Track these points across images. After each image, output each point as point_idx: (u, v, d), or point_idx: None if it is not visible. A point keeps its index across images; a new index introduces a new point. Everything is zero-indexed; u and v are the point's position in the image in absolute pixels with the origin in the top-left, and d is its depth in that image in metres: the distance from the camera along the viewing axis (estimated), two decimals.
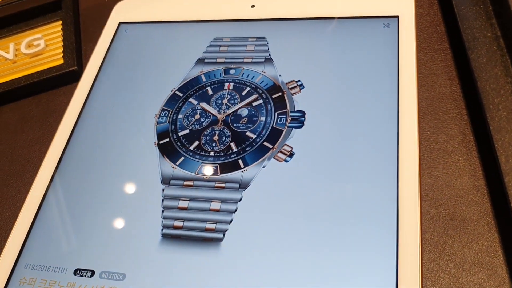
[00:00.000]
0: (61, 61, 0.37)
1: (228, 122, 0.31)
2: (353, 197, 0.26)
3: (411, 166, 0.26)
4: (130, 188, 0.29)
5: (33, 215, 0.29)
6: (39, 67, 0.37)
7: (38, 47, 0.38)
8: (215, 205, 0.28)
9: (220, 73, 0.34)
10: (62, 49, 0.38)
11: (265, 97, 0.32)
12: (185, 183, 0.29)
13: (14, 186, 0.33)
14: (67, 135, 0.33)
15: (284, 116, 0.30)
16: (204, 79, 0.34)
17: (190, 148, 0.30)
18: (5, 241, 0.29)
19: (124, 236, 0.27)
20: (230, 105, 0.32)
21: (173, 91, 0.33)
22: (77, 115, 0.33)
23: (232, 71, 0.33)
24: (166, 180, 0.29)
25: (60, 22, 0.40)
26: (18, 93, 0.37)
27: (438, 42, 0.33)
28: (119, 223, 0.28)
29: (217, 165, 0.29)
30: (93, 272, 0.27)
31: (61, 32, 0.39)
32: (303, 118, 0.30)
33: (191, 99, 0.33)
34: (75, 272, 0.27)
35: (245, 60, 0.34)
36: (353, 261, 0.24)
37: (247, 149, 0.30)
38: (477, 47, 0.29)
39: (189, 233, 0.27)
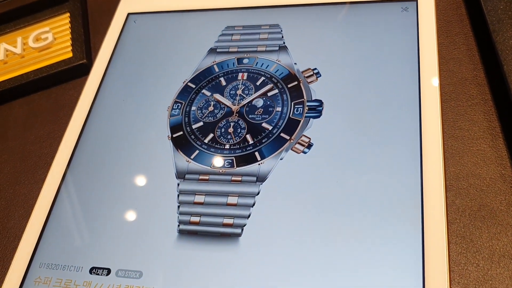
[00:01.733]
0: (70, 54, 0.36)
1: (243, 114, 0.30)
2: (375, 188, 0.25)
3: (435, 155, 0.25)
4: (144, 184, 0.29)
5: (47, 213, 0.29)
6: (48, 61, 0.36)
7: (46, 40, 0.37)
8: (232, 199, 0.27)
9: (233, 63, 0.33)
10: (71, 42, 0.37)
11: (280, 86, 0.31)
12: (200, 177, 0.28)
13: (26, 184, 0.32)
14: (78, 130, 0.32)
15: (301, 105, 0.29)
16: (217, 70, 0.33)
17: (204, 141, 0.30)
18: (19, 240, 0.29)
19: (139, 233, 0.27)
20: (244, 95, 0.31)
21: (185, 83, 0.32)
22: (88, 109, 0.33)
23: (245, 61, 0.32)
24: (181, 175, 0.28)
25: (68, 14, 0.39)
26: (27, 88, 0.36)
27: (459, 25, 0.32)
28: (134, 220, 0.27)
29: (233, 158, 0.28)
30: (109, 271, 0.26)
31: (69, 25, 0.38)
32: (321, 108, 0.29)
33: (204, 91, 0.32)
34: (90, 271, 0.26)
35: (259, 48, 0.33)
36: (377, 255, 0.23)
37: (263, 141, 0.29)
38: (502, 29, 0.28)
39: (206, 228, 0.26)
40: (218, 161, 0.28)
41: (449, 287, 0.22)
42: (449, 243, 0.24)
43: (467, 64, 0.30)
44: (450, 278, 0.22)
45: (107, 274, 0.26)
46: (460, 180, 0.26)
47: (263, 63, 0.32)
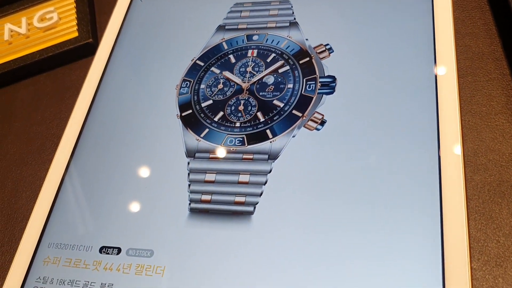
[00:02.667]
0: (76, 34, 0.36)
1: (253, 91, 0.29)
2: (390, 165, 0.25)
3: (453, 131, 0.25)
4: (153, 162, 0.28)
5: (54, 193, 0.28)
6: (53, 41, 0.36)
7: (51, 20, 0.37)
8: (243, 178, 0.26)
9: (243, 40, 0.32)
10: (76, 21, 0.36)
11: (291, 63, 0.30)
12: (211, 155, 0.28)
13: (33, 164, 0.32)
14: (86, 110, 0.31)
15: (313, 82, 0.29)
16: (226, 47, 0.32)
17: (214, 119, 0.29)
18: (27, 220, 0.28)
19: (150, 212, 0.26)
20: (254, 72, 0.30)
21: (193, 61, 0.32)
22: (95, 90, 0.32)
23: (255, 37, 0.32)
24: (191, 153, 0.28)
25: None
26: (32, 69, 0.36)
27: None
28: (144, 199, 0.27)
29: (244, 136, 0.28)
30: (119, 250, 0.25)
31: (74, 4, 0.37)
32: (334, 84, 0.28)
33: (213, 68, 0.31)
34: (100, 250, 0.26)
35: (269, 25, 0.32)
36: (395, 233, 0.23)
37: (275, 118, 0.28)
38: None
39: (217, 206, 0.26)
40: (228, 139, 0.28)
41: (469, 264, 0.21)
42: (468, 219, 0.23)
43: (484, 38, 0.29)
44: (470, 255, 0.22)
45: (118, 253, 0.25)
46: (478, 156, 0.25)
47: (273, 40, 0.31)
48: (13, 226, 0.29)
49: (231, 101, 0.29)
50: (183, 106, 0.30)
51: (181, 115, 0.29)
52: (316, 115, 0.27)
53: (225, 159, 0.27)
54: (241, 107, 0.29)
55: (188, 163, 0.27)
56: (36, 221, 0.28)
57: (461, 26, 0.30)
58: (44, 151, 0.32)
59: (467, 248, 0.21)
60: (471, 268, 0.22)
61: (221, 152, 0.27)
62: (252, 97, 0.29)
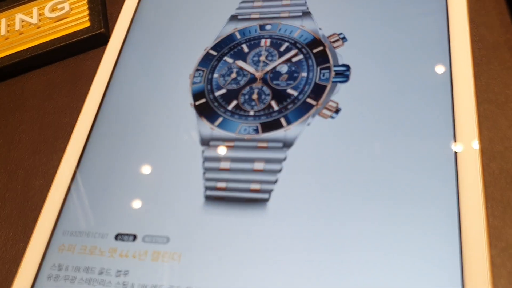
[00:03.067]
0: (87, 24, 0.36)
1: (267, 80, 0.29)
2: (406, 153, 0.25)
3: (469, 119, 0.25)
4: (168, 150, 0.28)
5: (69, 181, 0.28)
6: (65, 31, 0.36)
7: (63, 10, 0.36)
8: (258, 165, 0.26)
9: (256, 30, 0.32)
10: (88, 11, 0.36)
11: (305, 52, 0.30)
12: (225, 144, 0.27)
13: (46, 153, 0.32)
14: (99, 99, 0.31)
15: (328, 70, 0.29)
16: (238, 36, 0.32)
17: (228, 108, 0.29)
18: (40, 209, 0.28)
19: (165, 199, 0.26)
20: (268, 62, 0.30)
21: (206, 50, 0.32)
22: (108, 79, 0.32)
23: (268, 27, 0.32)
24: (205, 142, 0.28)
25: None
26: (44, 59, 0.36)
27: None
28: (159, 186, 0.27)
29: (258, 124, 0.28)
30: (135, 236, 0.25)
31: None
32: (348, 72, 0.28)
33: (226, 58, 0.31)
34: (116, 237, 0.26)
35: (282, 14, 0.32)
36: (411, 220, 0.23)
37: (289, 107, 0.28)
38: None
39: (233, 194, 0.26)
40: (242, 127, 0.28)
41: (488, 250, 0.21)
42: (486, 207, 0.23)
43: (499, 28, 0.29)
44: (489, 241, 0.22)
45: (133, 240, 0.25)
46: (494, 143, 0.25)
47: (286, 29, 0.31)
48: (27, 215, 0.29)
49: (245, 90, 0.29)
50: (196, 95, 0.30)
51: (195, 104, 0.29)
52: (330, 103, 0.27)
53: (239, 147, 0.27)
54: (255, 96, 0.29)
55: (203, 151, 0.27)
56: (51, 209, 0.27)
57: (475, 16, 0.30)
58: (56, 140, 0.32)
59: (485, 234, 0.21)
60: (490, 255, 0.22)
61: (235, 140, 0.27)
62: (265, 86, 0.29)
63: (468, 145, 0.24)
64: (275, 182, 0.25)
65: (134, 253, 0.25)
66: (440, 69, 0.27)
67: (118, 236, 0.26)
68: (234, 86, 0.30)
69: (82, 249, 0.26)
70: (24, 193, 0.30)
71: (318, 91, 0.28)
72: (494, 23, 0.29)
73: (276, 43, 0.31)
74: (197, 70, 0.31)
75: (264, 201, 0.25)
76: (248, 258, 0.23)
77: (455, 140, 0.24)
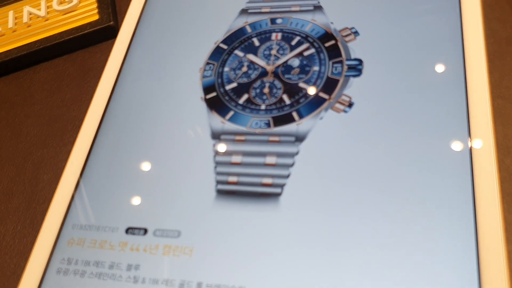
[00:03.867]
0: (96, 17, 0.35)
1: (278, 74, 0.29)
2: (420, 149, 0.24)
3: (483, 115, 0.24)
4: (179, 144, 0.28)
5: (78, 175, 0.28)
6: (73, 24, 0.35)
7: (71, 3, 0.36)
8: (270, 159, 0.26)
9: (266, 23, 0.31)
10: (97, 4, 0.36)
11: (317, 46, 0.29)
12: (236, 138, 0.27)
13: (54, 146, 0.31)
14: (108, 93, 0.31)
15: (340, 64, 0.28)
16: (249, 30, 0.31)
17: (239, 102, 0.29)
18: (49, 202, 0.28)
19: (177, 193, 0.26)
20: (279, 55, 0.30)
21: (216, 44, 0.31)
22: (117, 72, 0.32)
23: (279, 21, 0.31)
24: (216, 135, 0.28)
25: None
26: (52, 51, 0.35)
27: None
28: (170, 180, 0.26)
29: (270, 118, 0.28)
30: (146, 230, 0.25)
31: None
32: (361, 66, 0.28)
33: (236, 51, 0.31)
34: (126, 231, 0.25)
35: (293, 8, 0.32)
36: (425, 216, 0.22)
37: (301, 101, 0.28)
38: None
39: (245, 188, 0.25)
40: (254, 121, 0.28)
41: (505, 246, 0.21)
42: (502, 203, 0.23)
43: (511, 22, 0.29)
44: (505, 237, 0.21)
45: (144, 234, 0.25)
46: (509, 139, 0.25)
47: (297, 23, 0.31)
48: (35, 208, 0.29)
49: (256, 84, 0.29)
50: (207, 89, 0.30)
51: (205, 97, 0.29)
52: (343, 97, 0.27)
53: (251, 141, 0.27)
54: (266, 90, 0.29)
55: (214, 145, 0.27)
56: (59, 202, 0.27)
57: (488, 11, 0.30)
58: (65, 133, 0.32)
59: (502, 231, 0.21)
60: (507, 250, 0.22)
61: (246, 134, 0.27)
62: (277, 80, 0.29)
63: (483, 141, 0.24)
64: (287, 176, 0.25)
65: (145, 247, 0.25)
66: (453, 64, 0.26)
67: (129, 230, 0.25)
68: (245, 80, 0.29)
69: (92, 243, 0.26)
70: (32, 186, 0.30)
71: (330, 85, 0.28)
72: (507, 18, 0.29)
73: (287, 37, 0.30)
74: (208, 63, 0.31)
75: (276, 195, 0.25)
76: (260, 252, 0.23)
77: (469, 136, 0.24)
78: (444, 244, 0.22)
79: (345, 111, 0.26)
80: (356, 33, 0.29)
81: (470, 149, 0.24)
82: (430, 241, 0.22)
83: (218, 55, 0.31)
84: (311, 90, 0.28)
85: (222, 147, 0.27)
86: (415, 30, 0.28)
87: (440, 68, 0.27)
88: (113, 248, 0.25)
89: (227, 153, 0.27)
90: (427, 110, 0.25)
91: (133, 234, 0.25)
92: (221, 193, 0.25)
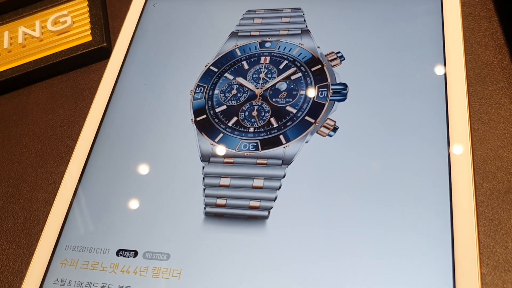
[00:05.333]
0: (89, 38, 0.36)
1: (266, 97, 0.30)
2: (402, 171, 0.25)
3: (462, 138, 0.25)
4: (169, 166, 0.29)
5: (71, 196, 0.29)
6: (67, 45, 0.36)
7: (65, 24, 0.37)
8: (258, 182, 0.27)
9: (256, 47, 0.32)
10: (90, 25, 0.37)
11: (304, 70, 0.30)
12: (225, 160, 0.28)
13: (48, 167, 0.32)
14: (101, 113, 0.32)
15: (325, 89, 0.29)
16: (239, 53, 0.32)
17: (228, 124, 0.29)
18: (43, 223, 0.29)
19: (166, 216, 0.27)
20: (267, 79, 0.31)
21: (207, 66, 0.32)
22: (110, 93, 0.33)
23: (267, 44, 0.32)
24: (205, 158, 0.28)
25: None
26: (46, 72, 0.36)
27: (483, 9, 0.32)
28: (160, 203, 0.27)
29: (258, 141, 0.28)
30: (136, 253, 0.26)
31: (88, 8, 0.38)
32: (346, 91, 0.29)
33: (226, 74, 0.32)
34: (117, 253, 0.26)
35: (281, 32, 0.32)
36: (405, 240, 0.23)
37: (288, 124, 0.29)
38: None
39: (232, 211, 0.26)
40: (242, 144, 0.28)
41: (479, 269, 0.22)
42: (478, 226, 0.24)
43: (492, 48, 0.30)
44: (480, 260, 0.22)
45: (134, 256, 0.26)
46: (487, 163, 0.26)
47: (285, 47, 0.32)
48: (29, 229, 0.30)
49: (245, 107, 0.30)
50: (197, 111, 0.30)
51: (195, 120, 0.30)
52: (328, 121, 0.28)
53: (239, 163, 0.28)
54: (254, 113, 0.30)
55: (203, 168, 0.28)
56: (53, 223, 0.28)
57: (470, 35, 0.31)
58: (59, 153, 0.33)
59: (477, 253, 0.22)
60: (481, 273, 0.23)
61: (235, 157, 0.28)
62: (265, 103, 0.30)
63: (461, 164, 0.25)
64: (274, 199, 0.26)
65: (136, 269, 0.25)
66: (435, 89, 0.27)
67: (120, 252, 0.26)
68: (234, 103, 0.30)
69: (85, 264, 0.26)
70: (27, 206, 0.31)
71: (316, 109, 0.29)
72: (488, 43, 0.30)
73: (275, 60, 0.31)
74: (198, 86, 0.32)
75: (263, 218, 0.26)
76: (248, 275, 0.24)
77: (449, 160, 0.25)
78: (421, 265, 0.22)
79: (329, 135, 0.27)
80: (341, 57, 0.30)
81: (450, 174, 0.24)
82: (407, 264, 0.23)
83: (208, 77, 0.32)
84: (298, 114, 0.29)
85: (211, 170, 0.28)
86: (398, 55, 0.29)
87: (422, 93, 0.27)
88: (104, 270, 0.26)
89: (216, 176, 0.28)
90: (408, 133, 0.26)
91: (124, 256, 0.26)
92: (209, 215, 0.26)
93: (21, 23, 0.38)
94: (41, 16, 0.38)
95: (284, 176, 0.27)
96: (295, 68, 0.31)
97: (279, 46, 0.32)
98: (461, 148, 0.25)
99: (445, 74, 0.28)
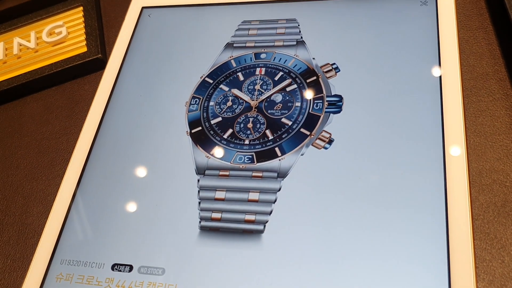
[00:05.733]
0: (85, 49, 0.36)
1: (262, 109, 0.30)
2: (398, 184, 0.25)
3: (458, 151, 0.25)
4: (164, 180, 0.28)
5: (66, 209, 0.29)
6: (62, 56, 0.36)
7: (60, 35, 0.37)
8: (253, 195, 0.27)
9: (251, 58, 0.32)
10: (85, 36, 0.37)
11: (299, 81, 0.30)
12: (220, 173, 0.28)
13: (44, 179, 0.32)
14: (96, 125, 0.32)
15: (321, 101, 0.29)
16: (234, 65, 0.32)
17: (223, 136, 0.29)
18: (38, 236, 0.29)
19: (161, 230, 0.27)
20: (263, 90, 0.31)
21: (202, 78, 0.32)
22: (105, 105, 0.32)
23: (263, 55, 0.32)
24: (201, 170, 0.28)
25: (81, 8, 0.38)
26: (41, 83, 0.36)
27: (479, 19, 0.32)
28: (155, 217, 0.27)
29: (253, 153, 0.28)
30: (131, 267, 0.26)
31: (83, 19, 0.38)
32: (341, 103, 0.29)
33: (222, 86, 0.32)
34: (113, 267, 0.26)
35: (276, 43, 0.32)
36: (402, 253, 0.23)
37: (283, 136, 0.28)
38: None
39: (228, 225, 0.26)
40: (238, 156, 0.28)
41: (475, 284, 0.22)
42: (474, 239, 0.24)
43: (488, 58, 0.30)
44: (476, 275, 0.22)
45: (130, 271, 0.26)
46: (483, 176, 0.26)
47: (281, 58, 0.32)
48: (25, 242, 0.30)
49: (240, 119, 0.30)
50: (192, 123, 0.30)
51: (190, 132, 0.30)
52: (324, 133, 0.28)
53: (235, 176, 0.28)
54: (250, 125, 0.29)
55: (198, 180, 0.28)
56: (49, 237, 0.28)
57: (465, 46, 0.31)
58: (54, 166, 0.32)
59: (473, 267, 0.22)
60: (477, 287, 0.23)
61: (231, 169, 0.28)
62: (260, 115, 0.30)
63: (457, 178, 0.25)
64: (270, 213, 0.26)
65: (131, 284, 0.25)
66: (430, 101, 0.27)
67: (115, 266, 0.26)
68: (229, 114, 0.30)
69: (80, 278, 0.26)
70: (22, 219, 0.31)
71: (311, 121, 0.29)
72: (483, 54, 0.30)
73: (270, 72, 0.31)
74: (193, 97, 0.31)
75: (259, 232, 0.26)
76: None
77: (445, 173, 0.25)
78: (417, 279, 0.22)
79: (325, 148, 0.27)
80: (336, 69, 0.30)
81: (445, 188, 0.24)
82: (403, 278, 0.23)
83: (203, 89, 0.32)
84: (293, 126, 0.29)
85: (206, 183, 0.28)
86: (394, 66, 0.29)
87: (417, 103, 0.27)
88: (100, 284, 0.26)
89: (211, 189, 0.28)
90: (404, 146, 0.26)
91: (119, 270, 0.26)
92: (204, 229, 0.26)
93: (16, 34, 0.38)
94: (36, 26, 0.38)
95: (279, 189, 0.27)
96: (290, 80, 0.31)
97: (274, 57, 0.32)
98: (457, 162, 0.25)
99: (440, 87, 0.28)
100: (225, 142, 0.29)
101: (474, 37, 0.31)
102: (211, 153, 0.29)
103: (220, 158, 0.29)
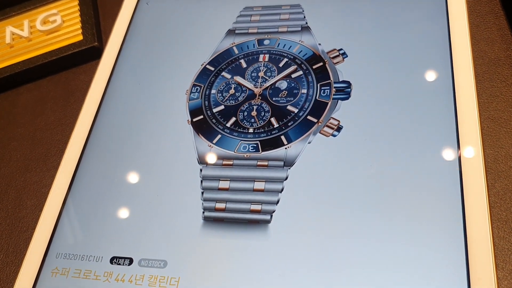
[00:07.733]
0: (80, 37, 0.35)
1: (266, 96, 0.29)
2: (409, 172, 0.24)
3: (473, 137, 0.24)
4: (165, 170, 0.27)
5: (62, 201, 0.27)
6: (57, 45, 0.35)
7: (55, 23, 0.36)
8: (259, 185, 0.26)
9: (254, 44, 0.31)
10: (81, 24, 0.35)
11: (305, 68, 0.29)
12: (224, 162, 0.27)
13: (38, 171, 0.31)
14: (92, 115, 0.30)
15: (328, 87, 0.28)
16: (236, 51, 0.31)
17: (226, 125, 0.28)
18: (33, 230, 0.27)
19: (162, 221, 0.25)
20: (267, 77, 0.29)
21: (203, 65, 0.31)
22: (101, 94, 0.31)
23: (266, 42, 0.31)
24: (203, 160, 0.27)
25: None
26: (35, 73, 0.35)
27: (488, 5, 0.31)
28: (156, 208, 0.26)
29: (258, 142, 0.27)
30: (131, 260, 0.25)
31: (78, 7, 0.37)
32: (349, 89, 0.28)
33: (223, 73, 0.30)
34: (111, 261, 0.25)
35: (280, 29, 0.31)
36: (416, 241, 0.22)
37: (289, 124, 0.27)
38: None
39: (232, 215, 0.25)
40: (241, 145, 0.27)
41: (495, 273, 0.21)
42: (492, 228, 0.22)
43: (500, 44, 0.29)
44: (495, 263, 0.21)
45: (129, 264, 0.24)
46: (498, 162, 0.25)
47: (285, 44, 0.31)
48: (18, 236, 0.28)
49: (244, 107, 0.29)
50: (193, 112, 0.29)
51: (192, 120, 0.29)
52: (332, 121, 0.27)
53: (239, 165, 0.26)
54: (254, 113, 0.28)
55: (201, 170, 0.27)
56: (43, 230, 0.27)
57: (476, 31, 0.30)
58: (48, 157, 0.31)
59: (492, 257, 0.21)
60: (497, 277, 0.21)
61: (234, 159, 0.27)
62: (265, 103, 0.28)
63: (472, 164, 0.23)
64: (276, 202, 0.25)
65: (131, 277, 0.24)
66: (442, 87, 0.26)
67: (114, 260, 0.25)
68: (232, 102, 0.29)
69: (76, 273, 0.25)
70: (15, 213, 0.29)
71: (318, 108, 0.27)
72: (494, 39, 0.29)
73: (274, 58, 0.30)
74: (194, 85, 0.30)
75: (265, 222, 0.24)
76: (249, 283, 0.23)
77: (459, 161, 0.24)
78: (435, 269, 0.21)
79: (333, 135, 0.26)
80: (344, 54, 0.29)
81: (460, 174, 0.23)
82: (420, 268, 0.21)
83: (205, 76, 0.30)
84: (300, 113, 0.27)
85: (209, 172, 0.27)
86: (403, 51, 0.28)
87: (429, 90, 0.26)
88: (98, 279, 0.24)
89: (215, 178, 0.26)
90: (416, 133, 0.25)
91: (118, 264, 0.25)
92: (208, 220, 0.25)
93: (9, 23, 0.37)
94: (30, 15, 0.37)
95: (286, 178, 0.25)
96: (295, 66, 0.29)
97: (279, 43, 0.31)
98: (472, 148, 0.24)
99: (452, 72, 0.27)
100: (228, 131, 0.28)
101: (484, 22, 0.30)
102: (213, 142, 0.28)
103: (223, 147, 0.27)
